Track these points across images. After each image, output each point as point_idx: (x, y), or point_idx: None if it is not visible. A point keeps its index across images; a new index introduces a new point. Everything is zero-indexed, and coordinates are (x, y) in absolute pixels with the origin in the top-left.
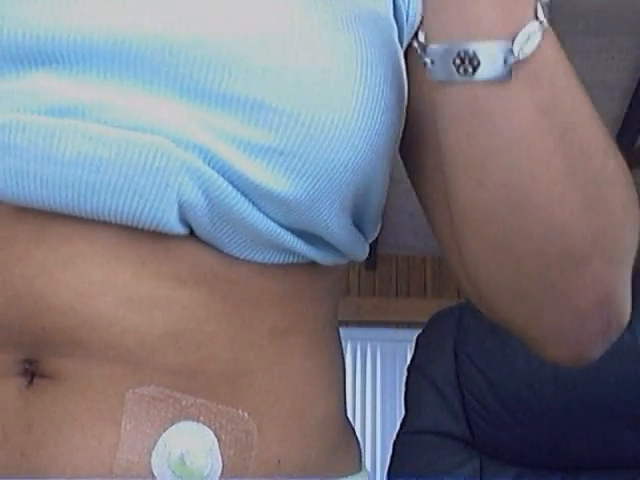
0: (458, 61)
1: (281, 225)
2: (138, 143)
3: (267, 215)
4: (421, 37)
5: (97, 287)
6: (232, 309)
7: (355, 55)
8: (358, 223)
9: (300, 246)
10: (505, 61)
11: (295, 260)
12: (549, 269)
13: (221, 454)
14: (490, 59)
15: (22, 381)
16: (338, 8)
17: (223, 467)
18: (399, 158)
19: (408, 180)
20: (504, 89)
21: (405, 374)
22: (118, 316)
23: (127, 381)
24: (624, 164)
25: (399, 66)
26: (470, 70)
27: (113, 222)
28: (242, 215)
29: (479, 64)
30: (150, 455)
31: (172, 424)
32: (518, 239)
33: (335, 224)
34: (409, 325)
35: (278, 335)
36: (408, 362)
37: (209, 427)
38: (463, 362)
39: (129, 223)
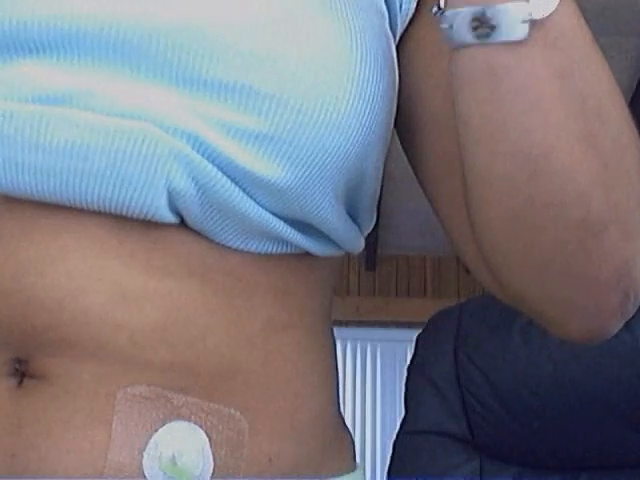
0: (475, 24)
1: (273, 213)
2: (126, 130)
3: (259, 203)
4: (441, 4)
5: (86, 282)
6: (224, 302)
7: (345, 41)
8: (352, 213)
9: (293, 235)
10: (522, 23)
11: (288, 250)
12: (567, 239)
13: (212, 454)
14: (507, 21)
15: (12, 381)
16: None
17: (214, 467)
18: (400, 158)
19: (408, 180)
20: (521, 52)
21: (405, 374)
22: (108, 312)
23: (118, 380)
24: (638, 136)
25: (390, 53)
26: (487, 33)
27: (102, 211)
28: (233, 203)
29: (496, 27)
30: (141, 456)
31: (163, 424)
32: (536, 208)
33: (328, 212)
34: (409, 325)
35: (272, 330)
36: (408, 362)
37: (200, 427)
38: (463, 362)
39: (118, 212)
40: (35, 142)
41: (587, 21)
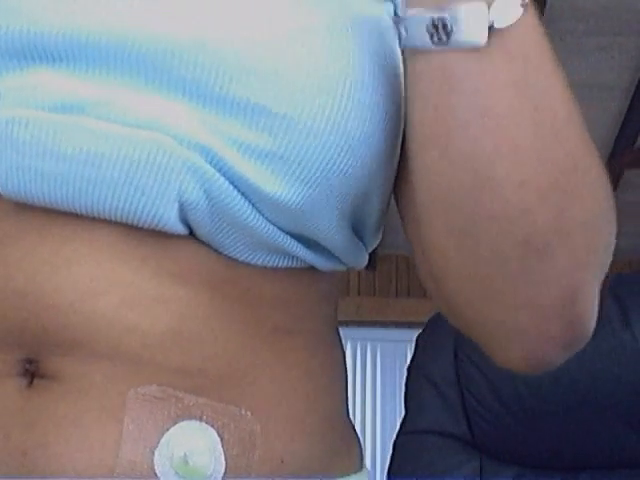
0: (432, 28)
1: (281, 229)
2: (140, 140)
3: (267, 219)
4: (399, 8)
5: (98, 286)
6: (233, 309)
7: (356, 61)
8: (358, 231)
9: (299, 250)
10: (481, 30)
11: (294, 264)
12: (510, 256)
13: (224, 454)
14: (464, 24)
15: (23, 381)
16: (338, 13)
17: (226, 467)
18: None
19: None
20: (477, 59)
21: (405, 374)
22: (119, 315)
23: (129, 380)
24: (599, 162)
25: (398, 72)
26: (444, 37)
27: (113, 220)
28: (242, 217)
29: (452, 30)
30: (153, 455)
31: (175, 423)
32: (480, 220)
33: (334, 230)
34: (409, 325)
35: (280, 335)
36: (408, 362)
37: (212, 426)
38: (463, 362)
39: (129, 221)
40: (50, 150)
41: (587, 21)
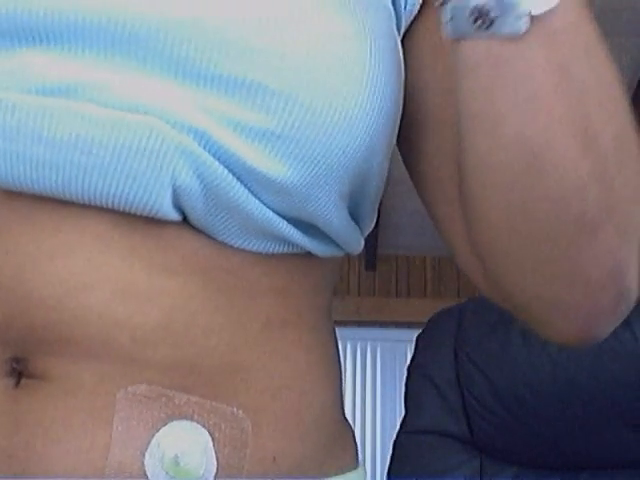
0: (475, 16)
1: (277, 212)
2: (132, 124)
3: (263, 202)
4: None
5: (87, 279)
6: (226, 301)
7: (356, 40)
8: (354, 214)
9: (295, 235)
10: (522, 17)
11: (290, 250)
12: (561, 235)
13: (216, 453)
14: (507, 15)
15: (9, 381)
16: None
17: (218, 466)
18: (399, 158)
19: (408, 180)
20: (520, 45)
21: (405, 374)
22: (109, 309)
23: (119, 380)
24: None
25: (398, 54)
26: (486, 25)
27: (104, 207)
28: (237, 201)
29: (495, 20)
30: (143, 456)
31: (165, 423)
32: (531, 202)
33: (332, 212)
34: (409, 325)
35: (273, 329)
36: (408, 362)
37: (203, 426)
38: (463, 362)
39: (121, 207)
40: (38, 134)
41: None
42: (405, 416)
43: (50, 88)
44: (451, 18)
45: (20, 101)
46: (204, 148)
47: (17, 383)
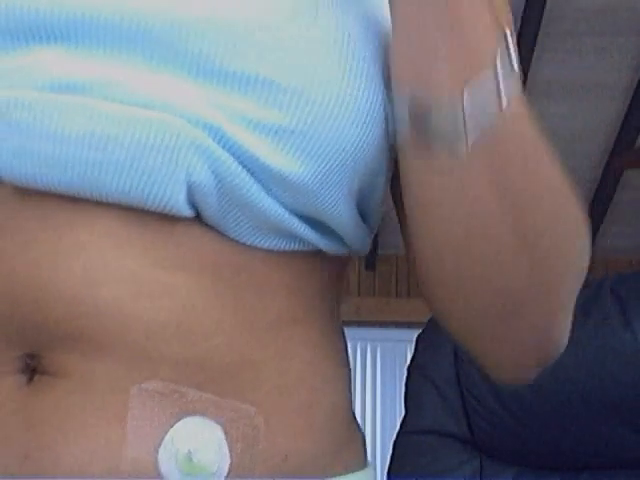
0: (414, 118)
1: (288, 210)
2: (146, 120)
3: (275, 198)
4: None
5: (101, 276)
6: (236, 297)
7: (366, 35)
8: (362, 212)
9: (306, 232)
10: (462, 133)
11: (300, 247)
12: (492, 316)
13: (229, 450)
14: (448, 130)
15: (22, 378)
16: None
17: (231, 463)
18: None
19: None
20: (456, 162)
21: (405, 374)
22: (122, 306)
23: (132, 376)
24: (582, 217)
25: None
26: (427, 138)
27: (118, 204)
28: (250, 197)
29: (436, 135)
30: (157, 452)
31: (178, 420)
32: (464, 282)
33: (342, 210)
34: (409, 325)
35: (283, 326)
36: (408, 362)
37: (216, 422)
38: (463, 362)
39: (136, 205)
40: (52, 132)
41: (587, 21)
42: (405, 416)
43: (65, 85)
44: (394, 110)
45: (34, 99)
46: (218, 144)
47: (30, 380)
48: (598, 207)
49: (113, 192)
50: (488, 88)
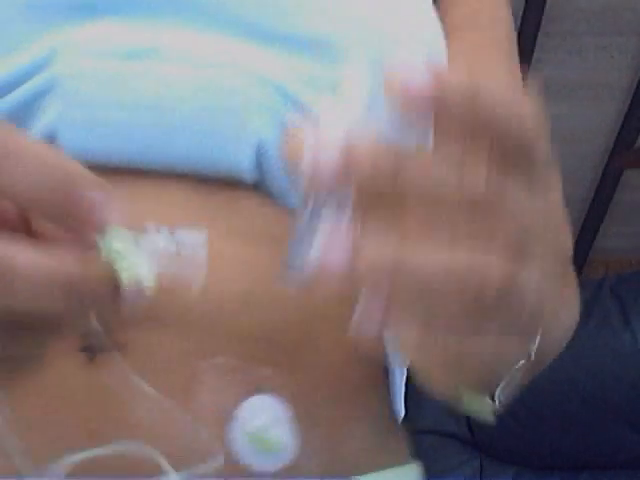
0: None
1: None
2: (215, 82)
3: None
4: None
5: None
6: None
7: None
8: None
9: None
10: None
11: None
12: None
13: (296, 428)
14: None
15: (86, 355)
16: None
17: (298, 441)
18: None
19: None
20: None
21: (405, 374)
22: None
23: (200, 351)
24: (575, 295)
25: None
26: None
27: (186, 170)
28: None
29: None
30: (228, 429)
31: (247, 396)
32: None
33: None
34: None
35: (345, 301)
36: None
37: (283, 399)
38: None
39: (203, 169)
40: (119, 99)
41: (587, 21)
42: (405, 416)
43: (129, 53)
44: None
45: (99, 68)
46: (284, 103)
47: (94, 356)
48: (598, 207)
49: (181, 156)
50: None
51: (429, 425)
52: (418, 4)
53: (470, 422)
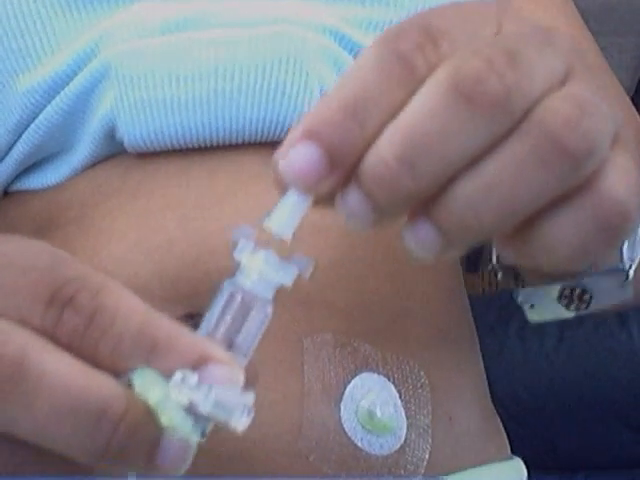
0: (565, 298)
1: None
2: (267, 36)
3: None
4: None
5: (252, 221)
6: (384, 239)
7: None
8: None
9: None
10: (621, 287)
11: None
12: None
13: (403, 408)
14: (604, 290)
15: None
16: None
17: (407, 423)
18: None
19: None
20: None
21: None
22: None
23: (303, 325)
24: None
25: None
26: (584, 305)
27: (258, 138)
28: None
29: (593, 297)
30: (339, 409)
31: (355, 375)
32: None
33: None
34: None
35: (427, 272)
36: None
37: (389, 379)
38: None
39: (271, 132)
40: (175, 73)
41: (587, 21)
42: None
43: (174, 24)
44: (531, 305)
45: (144, 46)
46: (342, 48)
47: None
48: None
49: (248, 122)
50: None
51: None
52: None
53: None
